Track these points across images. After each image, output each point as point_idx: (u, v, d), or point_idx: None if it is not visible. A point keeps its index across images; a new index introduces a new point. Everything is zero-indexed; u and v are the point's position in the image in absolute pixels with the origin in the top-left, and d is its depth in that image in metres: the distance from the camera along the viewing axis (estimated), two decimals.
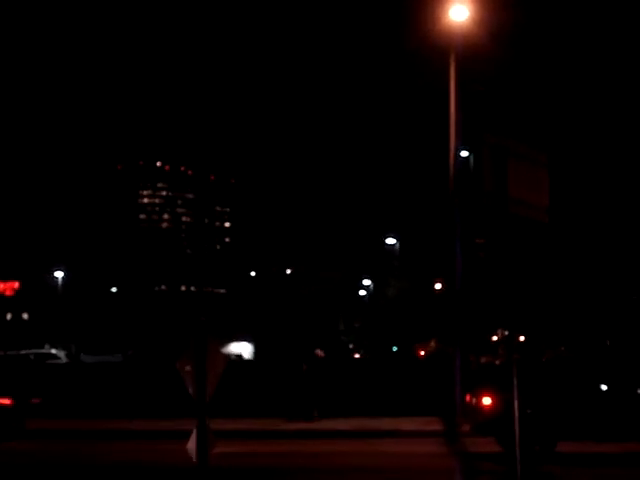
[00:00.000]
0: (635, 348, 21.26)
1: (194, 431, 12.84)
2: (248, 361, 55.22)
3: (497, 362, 36.91)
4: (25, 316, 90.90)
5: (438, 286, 69.62)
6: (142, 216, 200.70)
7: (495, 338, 68.17)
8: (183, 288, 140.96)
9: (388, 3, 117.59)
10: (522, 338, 64.01)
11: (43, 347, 54.27)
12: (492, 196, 12.88)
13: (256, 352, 70.54)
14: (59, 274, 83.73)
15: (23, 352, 43.55)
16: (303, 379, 26.47)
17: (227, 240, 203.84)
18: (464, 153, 24.08)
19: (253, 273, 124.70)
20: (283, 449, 21.02)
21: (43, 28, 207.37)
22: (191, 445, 12.86)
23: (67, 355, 48.14)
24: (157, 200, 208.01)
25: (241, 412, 26.41)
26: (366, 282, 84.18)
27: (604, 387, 18.87)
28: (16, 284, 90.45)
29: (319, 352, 27.37)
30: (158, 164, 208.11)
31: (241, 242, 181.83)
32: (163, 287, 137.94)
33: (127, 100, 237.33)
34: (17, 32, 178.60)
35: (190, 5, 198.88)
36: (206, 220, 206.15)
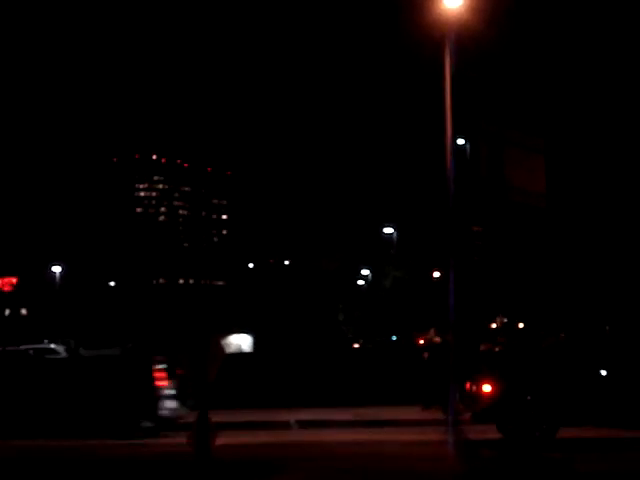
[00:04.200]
0: (635, 333, 21.25)
1: (195, 423, 12.81)
2: (250, 353, 55.16)
3: (496, 349, 36.92)
4: (24, 311, 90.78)
5: (436, 274, 69.63)
6: (139, 209, 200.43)
7: (494, 325, 68.17)
8: (181, 281, 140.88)
9: None
10: (521, 325, 64.17)
11: (42, 342, 54.10)
12: (489, 183, 12.84)
13: (256, 344, 70.46)
14: (57, 269, 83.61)
15: (22, 347, 43.43)
16: (427, 367, 26.16)
17: (224, 232, 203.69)
18: (460, 141, 24.02)
19: (251, 265, 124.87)
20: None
21: (40, 24, 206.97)
22: (192, 436, 12.83)
23: (66, 350, 47.99)
24: (154, 193, 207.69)
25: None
26: (364, 272, 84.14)
27: (604, 373, 18.85)
28: (14, 279, 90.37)
29: (437, 339, 27.05)
30: (154, 157, 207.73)
31: (238, 234, 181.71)
32: (161, 280, 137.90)
33: (123, 93, 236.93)
34: (14, 27, 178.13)
35: (188, 1, 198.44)
36: (203, 213, 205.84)
